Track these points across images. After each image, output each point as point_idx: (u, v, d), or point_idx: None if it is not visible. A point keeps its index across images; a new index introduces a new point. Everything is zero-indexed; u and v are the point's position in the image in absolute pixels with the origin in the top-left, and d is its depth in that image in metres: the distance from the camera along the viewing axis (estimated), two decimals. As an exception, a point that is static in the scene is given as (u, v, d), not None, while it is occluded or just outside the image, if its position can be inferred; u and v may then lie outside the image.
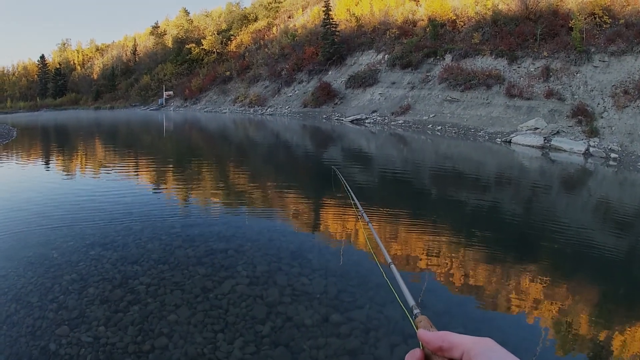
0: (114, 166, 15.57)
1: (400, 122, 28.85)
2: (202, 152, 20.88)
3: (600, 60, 24.49)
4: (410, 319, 0.94)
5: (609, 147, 20.48)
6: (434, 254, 6.86)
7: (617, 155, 20.03)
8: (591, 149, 20.40)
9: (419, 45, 32.83)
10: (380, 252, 1.81)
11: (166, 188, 11.80)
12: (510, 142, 22.46)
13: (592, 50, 24.99)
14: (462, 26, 33.04)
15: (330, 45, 40.67)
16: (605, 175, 17.78)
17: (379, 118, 30.54)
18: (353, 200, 3.22)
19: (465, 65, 28.73)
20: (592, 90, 23.23)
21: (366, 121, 30.87)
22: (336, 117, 34.24)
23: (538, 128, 22.36)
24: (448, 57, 30.48)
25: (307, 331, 4.21)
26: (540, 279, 6.15)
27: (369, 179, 13.34)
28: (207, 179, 13.23)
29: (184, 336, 4.09)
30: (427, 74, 30.74)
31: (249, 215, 8.53)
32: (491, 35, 29.95)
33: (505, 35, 29.05)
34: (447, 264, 6.40)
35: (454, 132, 25.21)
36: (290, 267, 5.65)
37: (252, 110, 46.45)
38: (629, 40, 24.47)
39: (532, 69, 25.88)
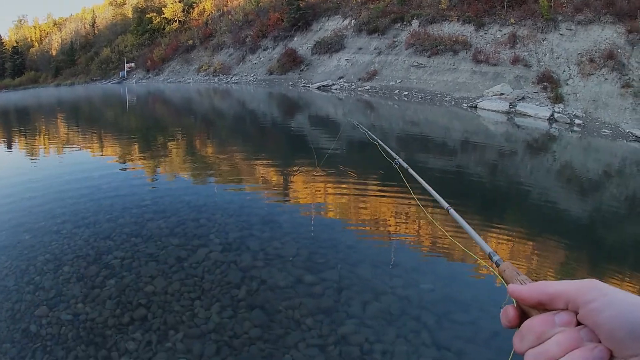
0: (79, 144, 15.04)
1: (367, 87, 28.77)
2: (167, 125, 20.37)
3: (567, 29, 24.82)
4: (493, 269, 0.83)
5: (574, 113, 20.96)
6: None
7: (581, 121, 20.55)
8: (556, 115, 20.86)
9: (385, 11, 32.52)
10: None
11: (134, 162, 11.52)
12: (476, 107, 22.70)
13: (560, 18, 25.30)
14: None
15: (296, 11, 39.83)
16: (569, 141, 18.20)
17: (345, 84, 30.32)
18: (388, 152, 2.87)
19: (432, 31, 28.69)
20: (558, 58, 23.61)
21: (333, 87, 30.60)
22: (302, 84, 33.82)
23: (504, 94, 22.65)
24: (415, 23, 30.32)
25: (282, 293, 4.34)
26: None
27: (341, 146, 13.09)
28: (175, 151, 12.96)
29: (162, 306, 4.15)
30: (394, 40, 30.59)
31: (218, 184, 8.54)
32: (458, 1, 29.82)
33: (472, 1, 28.97)
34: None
35: (421, 98, 25.35)
36: (261, 232, 5.72)
37: (216, 79, 45.38)
38: (597, 10, 24.74)
39: (498, 36, 26.09)
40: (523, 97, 22.36)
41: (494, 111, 21.93)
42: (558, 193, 9.80)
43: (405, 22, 31.09)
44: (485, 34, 26.70)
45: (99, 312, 4.07)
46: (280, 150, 13.23)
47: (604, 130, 19.88)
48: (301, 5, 40.24)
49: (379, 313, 4.07)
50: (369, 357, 3.56)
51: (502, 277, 0.69)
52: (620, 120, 20.34)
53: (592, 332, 0.47)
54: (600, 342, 0.46)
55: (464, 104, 23.29)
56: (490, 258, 0.86)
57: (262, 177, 9.34)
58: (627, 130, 19.81)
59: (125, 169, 10.47)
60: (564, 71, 22.83)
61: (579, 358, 0.47)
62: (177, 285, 4.47)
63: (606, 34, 23.58)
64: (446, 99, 24.42)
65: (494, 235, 6.47)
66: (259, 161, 11.10)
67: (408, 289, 4.54)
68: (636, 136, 19.35)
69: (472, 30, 27.28)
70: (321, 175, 8.82)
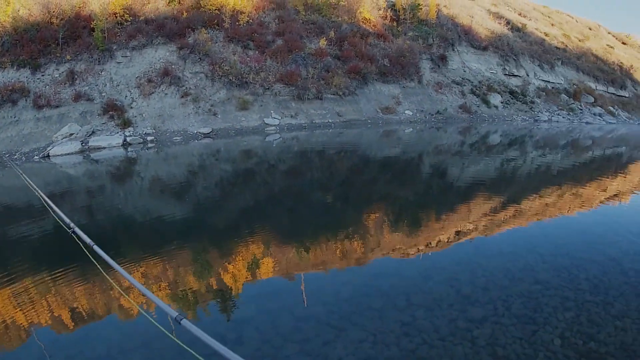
0: None
1: None
2: None
3: (122, 56, 25.30)
4: None
5: (145, 132, 21.67)
6: None
7: (153, 137, 21.53)
8: (128, 139, 21.13)
9: None
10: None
11: None
12: (49, 156, 20.55)
13: (115, 47, 25.63)
14: (-22, 38, 28.18)
15: None
16: (148, 158, 18.80)
17: None
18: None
19: (-17, 82, 24.61)
20: (119, 85, 23.78)
21: None
22: None
23: (73, 133, 21.22)
24: (-37, 77, 25.52)
25: None
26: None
27: None
28: None
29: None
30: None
31: None
32: (11, 44, 26.52)
33: (26, 42, 26.20)
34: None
35: (-15, 164, 21.32)
36: None
37: None
38: (149, 34, 26.16)
39: (57, 75, 24.36)
40: (93, 132, 21.50)
41: (69, 154, 20.55)
42: (163, 204, 10.70)
43: (-50, 79, 25.78)
44: (42, 75, 24.47)
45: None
46: None
47: (175, 138, 21.64)
48: None
49: None
50: None
51: None
52: (187, 125, 22.35)
53: None
54: None
55: (36, 157, 20.69)
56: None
57: None
58: (196, 131, 22.33)
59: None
60: (126, 96, 23.19)
61: None
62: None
63: (160, 54, 24.97)
64: (16, 156, 21.12)
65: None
66: None
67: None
68: (204, 133, 22.22)
69: (29, 74, 24.55)
70: None
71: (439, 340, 4.09)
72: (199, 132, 21.82)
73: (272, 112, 24.09)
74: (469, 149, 19.66)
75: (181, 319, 1.29)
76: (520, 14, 50.27)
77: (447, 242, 6.99)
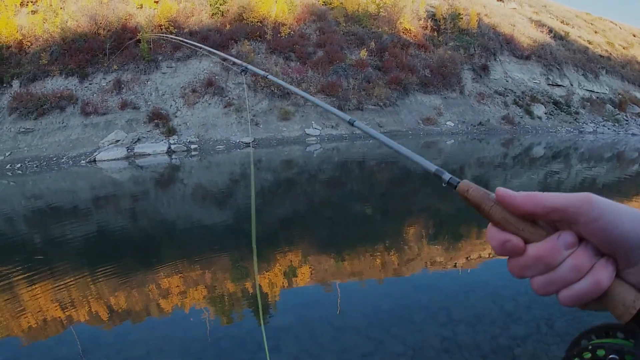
0: None
1: (-30, 173, 23.53)
2: None
3: (168, 67, 25.87)
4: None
5: (188, 141, 21.90)
6: None
7: (196, 146, 21.78)
8: (172, 146, 21.44)
9: (-27, 77, 27.49)
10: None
11: None
12: (95, 161, 21.08)
13: (160, 58, 26.25)
14: (29, 47, 29.29)
15: None
16: (191, 165, 19.05)
17: (-59, 177, 24.18)
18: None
19: (35, 89, 25.44)
20: (164, 95, 24.23)
21: None
22: None
23: (119, 140, 21.64)
24: (16, 83, 26.42)
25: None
26: None
27: None
28: None
29: None
30: (-5, 107, 26.04)
31: None
32: (60, 54, 27.46)
33: (74, 52, 27.11)
34: None
35: (36, 166, 21.98)
36: None
37: None
38: (186, 46, 26.39)
39: (104, 84, 25.06)
40: (139, 139, 21.89)
41: (114, 160, 21.01)
42: (202, 211, 10.73)
43: (5, 84, 26.73)
44: (90, 84, 25.23)
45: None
46: None
47: (218, 146, 21.74)
48: None
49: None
50: None
51: (467, 200, 0.55)
52: (229, 134, 22.48)
53: (594, 246, 0.50)
54: (601, 253, 0.50)
55: (83, 161, 21.29)
56: (439, 178, 0.59)
57: None
58: (238, 141, 22.41)
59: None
60: (171, 105, 23.59)
61: (603, 277, 0.50)
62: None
63: (204, 65, 25.35)
64: (63, 160, 21.82)
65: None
66: None
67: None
68: (246, 143, 22.27)
69: (77, 82, 25.37)
70: None
71: (480, 358, 3.97)
72: (241, 142, 22.00)
73: (313, 122, 24.11)
74: (512, 161, 19.11)
75: (354, 121, 1.36)
76: (562, 22, 49.12)
77: (489, 257, 6.69)
